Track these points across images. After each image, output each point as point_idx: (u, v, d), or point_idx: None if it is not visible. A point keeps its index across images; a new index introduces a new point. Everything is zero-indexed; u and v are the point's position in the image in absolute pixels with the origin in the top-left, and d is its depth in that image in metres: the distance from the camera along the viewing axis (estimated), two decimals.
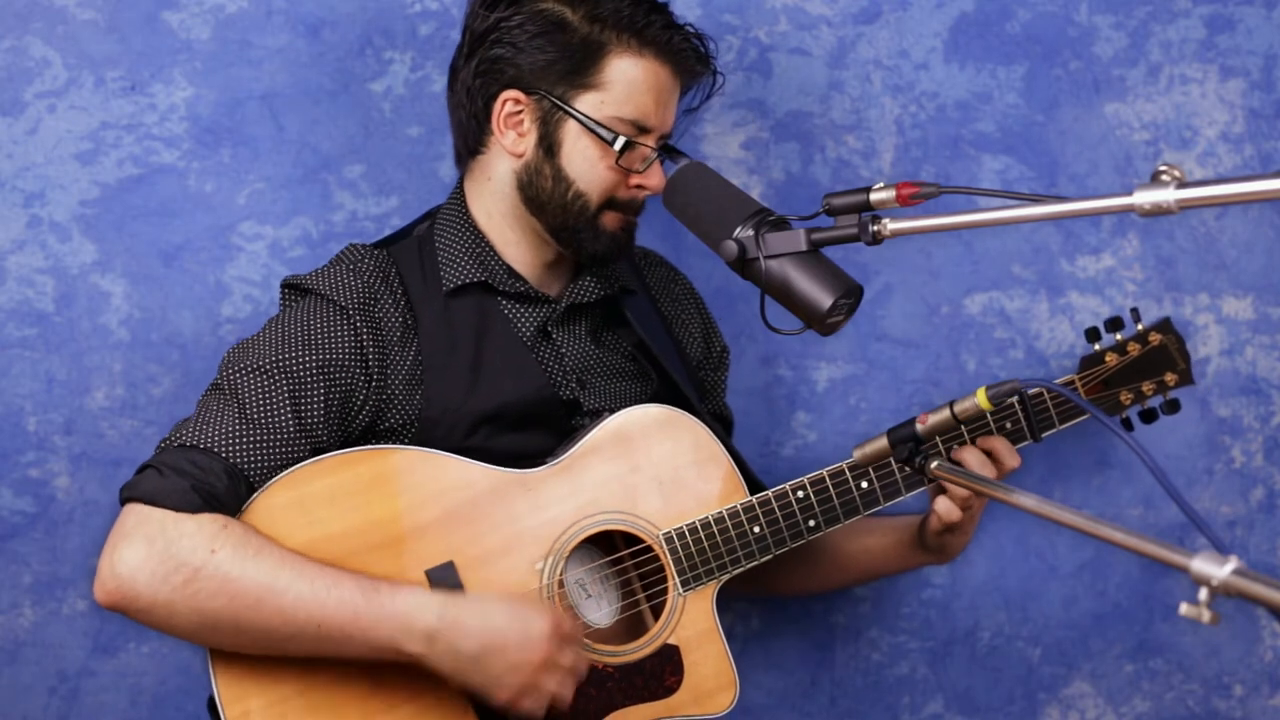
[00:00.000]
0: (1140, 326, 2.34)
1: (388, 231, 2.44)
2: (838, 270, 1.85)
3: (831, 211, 1.77)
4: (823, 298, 1.82)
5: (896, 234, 1.71)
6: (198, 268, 2.41)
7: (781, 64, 2.57)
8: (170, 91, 2.40)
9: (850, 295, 1.84)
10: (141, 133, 2.39)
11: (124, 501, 1.92)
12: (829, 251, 1.86)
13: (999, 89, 2.62)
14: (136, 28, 2.39)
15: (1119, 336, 2.33)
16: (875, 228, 1.72)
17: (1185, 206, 1.42)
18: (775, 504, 2.13)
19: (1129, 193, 1.46)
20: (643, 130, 2.10)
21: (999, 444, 2.17)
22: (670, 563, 2.10)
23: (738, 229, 1.86)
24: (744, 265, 1.86)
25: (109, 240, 2.39)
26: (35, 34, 2.36)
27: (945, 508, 2.13)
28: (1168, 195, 1.43)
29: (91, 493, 2.38)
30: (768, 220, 1.87)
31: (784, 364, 2.61)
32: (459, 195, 2.21)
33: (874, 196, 1.74)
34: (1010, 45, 2.62)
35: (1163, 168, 1.46)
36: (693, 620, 2.12)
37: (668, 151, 2.14)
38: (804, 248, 1.83)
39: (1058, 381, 2.29)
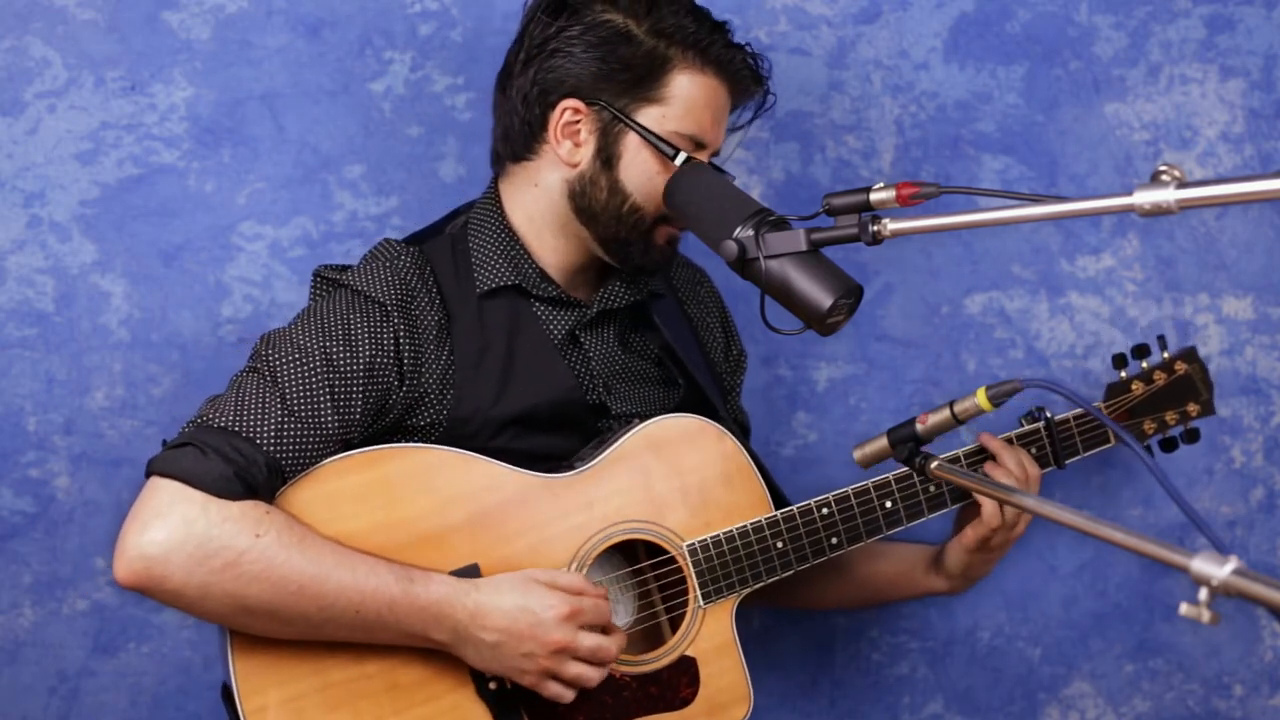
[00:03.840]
0: (1166, 355, 2.34)
1: (388, 232, 2.44)
2: (838, 270, 1.85)
3: (831, 211, 1.77)
4: (823, 298, 1.82)
5: (896, 234, 1.72)
6: (198, 268, 2.41)
7: (781, 64, 2.57)
8: (170, 91, 2.40)
9: (850, 295, 1.84)
10: (141, 133, 2.39)
11: (153, 474, 1.87)
12: (829, 251, 1.86)
13: (999, 89, 2.62)
14: (136, 28, 2.39)
15: (1145, 364, 2.32)
16: (875, 228, 1.72)
17: (1185, 206, 1.43)
18: (799, 520, 2.13)
19: (1129, 193, 1.46)
20: (699, 146, 2.10)
21: (1025, 455, 2.19)
22: (693, 574, 2.10)
23: (738, 229, 1.87)
24: (744, 265, 1.86)
25: (109, 240, 2.39)
26: (35, 34, 2.36)
27: (990, 509, 2.13)
28: (1168, 195, 1.43)
29: (91, 493, 2.38)
30: (768, 220, 1.87)
31: (784, 364, 2.61)
32: (494, 196, 2.19)
33: (874, 196, 1.74)
34: (1010, 45, 2.62)
35: (1163, 168, 1.46)
36: (711, 633, 2.11)
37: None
38: (804, 248, 1.83)
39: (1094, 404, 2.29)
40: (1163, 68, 2.66)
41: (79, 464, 2.38)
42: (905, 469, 2.11)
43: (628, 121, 2.07)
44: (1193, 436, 2.36)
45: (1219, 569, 1.31)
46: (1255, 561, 2.72)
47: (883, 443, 1.94)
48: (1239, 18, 2.67)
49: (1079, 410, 2.27)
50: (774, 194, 2.58)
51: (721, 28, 2.13)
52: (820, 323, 1.85)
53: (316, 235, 2.44)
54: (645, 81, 2.08)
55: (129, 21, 2.38)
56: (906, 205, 1.74)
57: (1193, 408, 2.35)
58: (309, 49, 2.43)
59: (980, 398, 1.81)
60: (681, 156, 2.06)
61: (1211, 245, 2.68)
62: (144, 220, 2.40)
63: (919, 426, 1.89)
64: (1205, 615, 1.33)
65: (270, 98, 2.43)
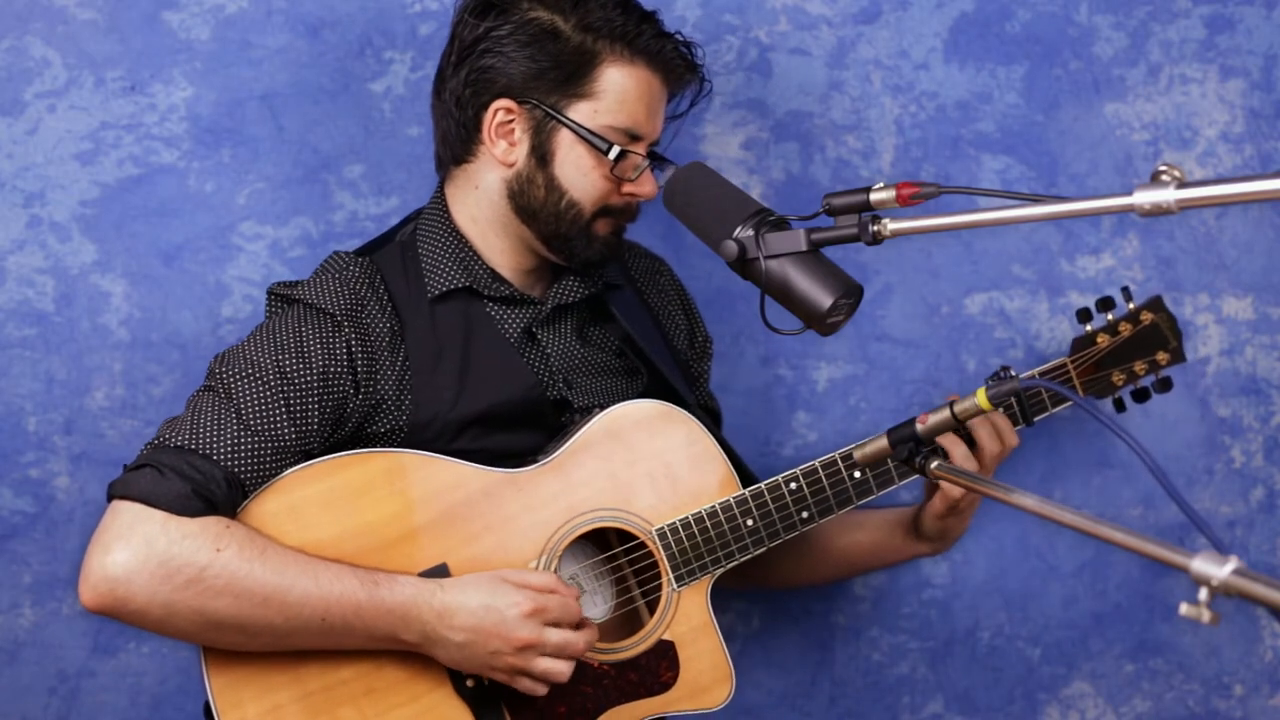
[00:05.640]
0: (1131, 305, 2.32)
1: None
2: (838, 270, 1.85)
3: (831, 211, 1.77)
4: (823, 298, 1.82)
5: (896, 234, 1.71)
6: (198, 268, 2.41)
7: (781, 64, 2.57)
8: (170, 91, 2.40)
9: (850, 295, 1.84)
10: (141, 133, 2.39)
11: (113, 498, 1.90)
12: (829, 251, 1.86)
13: (999, 89, 2.62)
14: (136, 28, 2.39)
15: (1110, 317, 2.31)
16: (875, 228, 1.72)
17: (1185, 206, 1.42)
18: (768, 496, 2.14)
19: (1129, 193, 1.46)
20: (634, 138, 2.11)
21: (1002, 421, 2.18)
22: (664, 558, 2.10)
23: (738, 229, 1.86)
24: (744, 265, 1.86)
25: (109, 240, 2.39)
26: (35, 34, 2.36)
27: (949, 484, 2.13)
28: (1168, 195, 1.43)
29: (91, 493, 2.38)
30: (768, 220, 1.87)
31: (784, 364, 2.61)
32: (440, 200, 2.20)
33: (874, 196, 1.74)
34: (1010, 45, 2.62)
35: (1163, 168, 1.46)
36: (687, 615, 2.12)
37: (655, 159, 2.15)
38: (804, 248, 1.83)
39: (1051, 364, 2.30)
40: (1163, 68, 2.65)
41: (79, 464, 2.38)
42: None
43: (559, 118, 2.08)
44: (1165, 385, 2.34)
45: (1219, 569, 1.31)
46: (1255, 561, 2.72)
47: (883, 443, 1.93)
48: (1239, 18, 2.67)
49: (1046, 367, 2.29)
50: (774, 194, 2.58)
51: (650, 18, 2.13)
52: (820, 323, 1.85)
53: (316, 235, 2.44)
54: (575, 77, 2.08)
55: (129, 21, 2.38)
56: (906, 205, 1.73)
57: (1162, 356, 2.33)
58: (309, 49, 2.43)
59: (980, 398, 1.80)
60: (615, 151, 2.07)
61: (1211, 245, 2.68)
62: (144, 220, 2.40)
63: (919, 426, 1.88)
64: (1205, 615, 1.33)
65: (270, 98, 2.43)
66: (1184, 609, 1.33)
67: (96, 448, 2.39)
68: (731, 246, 1.86)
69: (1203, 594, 1.33)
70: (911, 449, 1.89)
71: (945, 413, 1.85)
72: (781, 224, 1.87)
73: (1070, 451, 2.66)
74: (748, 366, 2.58)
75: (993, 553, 2.66)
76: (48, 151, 2.37)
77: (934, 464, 1.87)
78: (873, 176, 2.59)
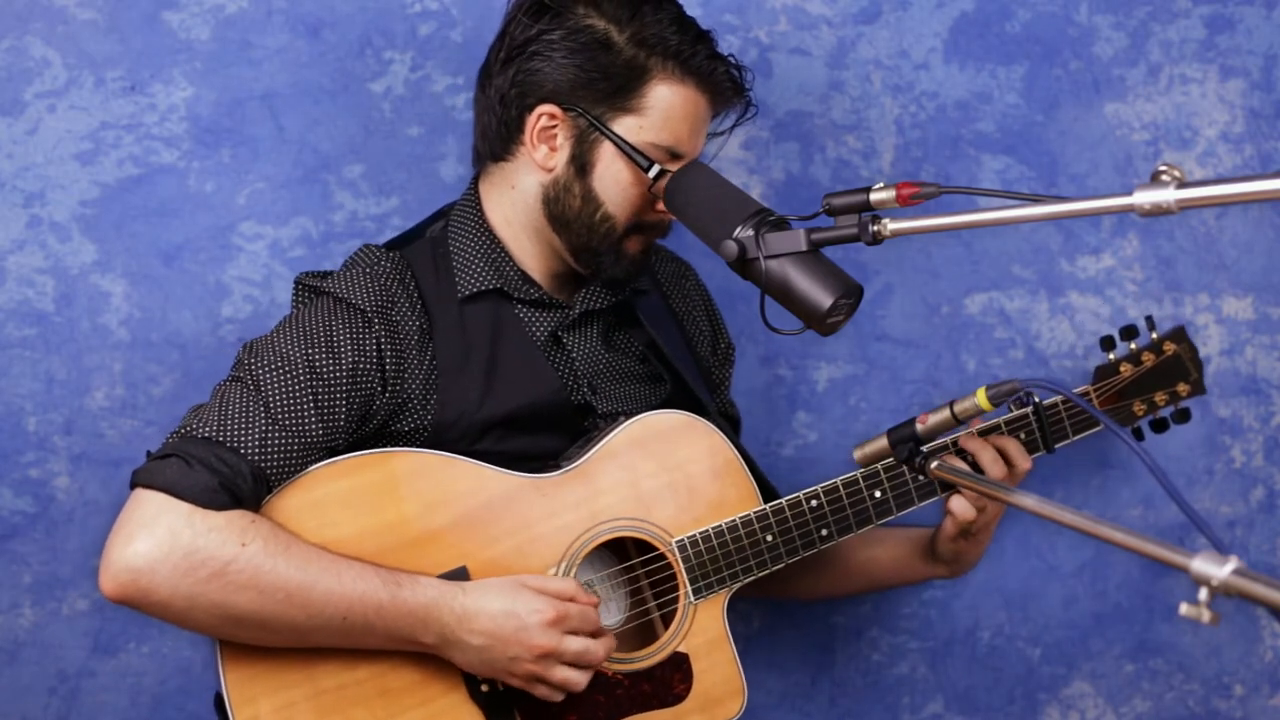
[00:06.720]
0: (1155, 335, 2.33)
1: (388, 232, 2.44)
2: (838, 270, 1.85)
3: (831, 211, 1.77)
4: (823, 298, 1.82)
5: (896, 234, 1.72)
6: (198, 268, 2.41)
7: (781, 64, 2.57)
8: (170, 91, 2.40)
9: (850, 295, 1.85)
10: (141, 133, 2.39)
11: (137, 486, 1.88)
12: (829, 251, 1.86)
13: (999, 89, 2.62)
14: (136, 28, 2.39)
15: (1133, 346, 2.32)
16: (875, 228, 1.72)
17: (1185, 206, 1.43)
18: (789, 512, 2.13)
19: (1129, 193, 1.46)
20: (675, 156, 2.09)
21: (1012, 445, 2.17)
22: (682, 570, 2.10)
23: (738, 229, 1.87)
24: (744, 265, 1.86)
25: (109, 240, 2.39)
26: (35, 34, 2.36)
27: (960, 506, 2.13)
28: (1168, 195, 1.43)
29: (91, 493, 2.38)
30: (768, 220, 1.87)
31: (784, 364, 2.61)
32: (474, 197, 2.19)
33: (874, 196, 1.74)
34: (1010, 45, 2.62)
35: (1163, 168, 1.46)
36: (703, 628, 2.12)
37: None
38: (804, 248, 1.83)
39: (1075, 392, 2.29)
40: (1163, 68, 2.66)
41: (79, 464, 2.38)
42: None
43: (604, 130, 2.07)
44: (1183, 416, 2.36)
45: (1219, 569, 1.31)
46: (1255, 561, 2.72)
47: (883, 443, 1.94)
48: (1239, 18, 2.67)
49: None
50: (774, 194, 2.58)
51: (705, 37, 2.11)
52: (820, 323, 1.85)
53: (316, 235, 2.44)
54: (623, 91, 2.06)
55: (129, 21, 2.38)
56: (906, 205, 1.74)
57: (1182, 388, 2.34)
58: (309, 49, 2.43)
59: (980, 398, 1.80)
60: (656, 170, 2.06)
61: (1211, 245, 2.68)
62: (144, 220, 2.40)
63: (919, 426, 1.89)
64: (1205, 615, 1.33)
65: (270, 98, 2.43)
66: (1184, 609, 1.33)
67: (96, 448, 2.39)
68: (731, 246, 1.86)
69: (1203, 594, 1.33)
70: (911, 449, 1.89)
71: (945, 413, 1.85)
72: (781, 224, 1.87)
73: (1070, 452, 2.65)
74: (748, 366, 2.58)
75: (993, 553, 2.65)
76: (48, 151, 2.37)
77: (933, 464, 1.87)
78: (873, 176, 2.59)
